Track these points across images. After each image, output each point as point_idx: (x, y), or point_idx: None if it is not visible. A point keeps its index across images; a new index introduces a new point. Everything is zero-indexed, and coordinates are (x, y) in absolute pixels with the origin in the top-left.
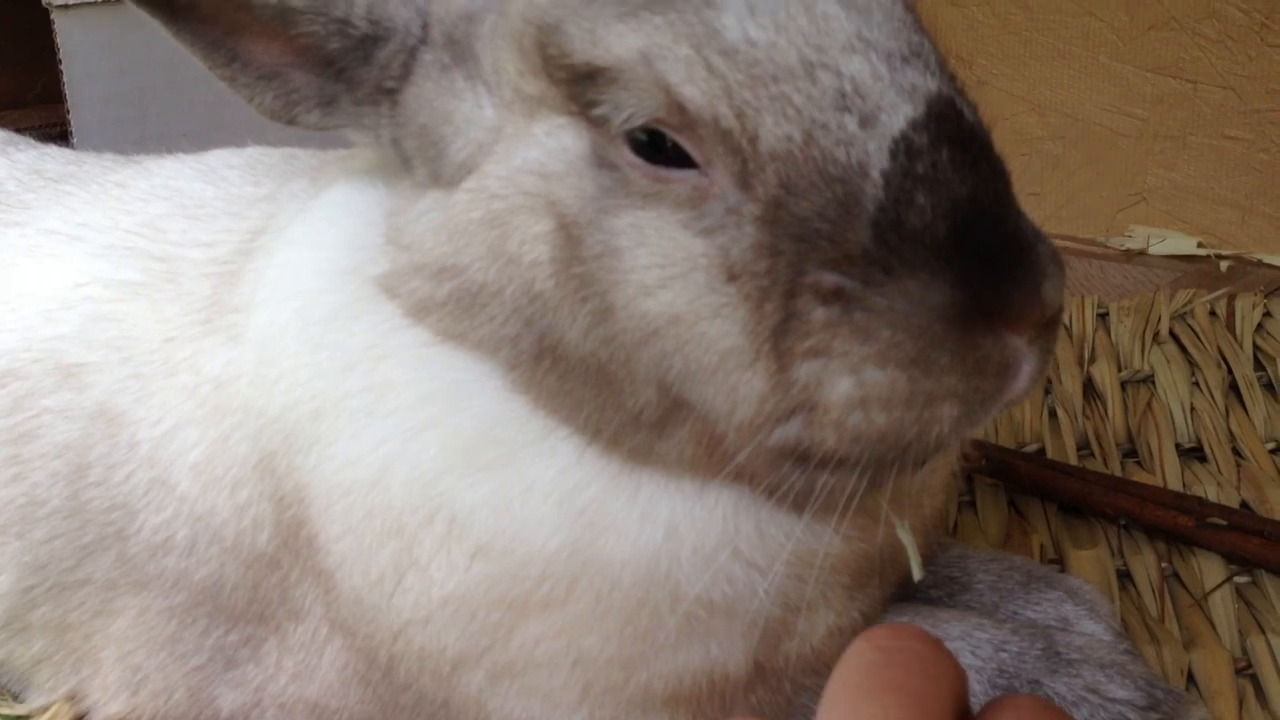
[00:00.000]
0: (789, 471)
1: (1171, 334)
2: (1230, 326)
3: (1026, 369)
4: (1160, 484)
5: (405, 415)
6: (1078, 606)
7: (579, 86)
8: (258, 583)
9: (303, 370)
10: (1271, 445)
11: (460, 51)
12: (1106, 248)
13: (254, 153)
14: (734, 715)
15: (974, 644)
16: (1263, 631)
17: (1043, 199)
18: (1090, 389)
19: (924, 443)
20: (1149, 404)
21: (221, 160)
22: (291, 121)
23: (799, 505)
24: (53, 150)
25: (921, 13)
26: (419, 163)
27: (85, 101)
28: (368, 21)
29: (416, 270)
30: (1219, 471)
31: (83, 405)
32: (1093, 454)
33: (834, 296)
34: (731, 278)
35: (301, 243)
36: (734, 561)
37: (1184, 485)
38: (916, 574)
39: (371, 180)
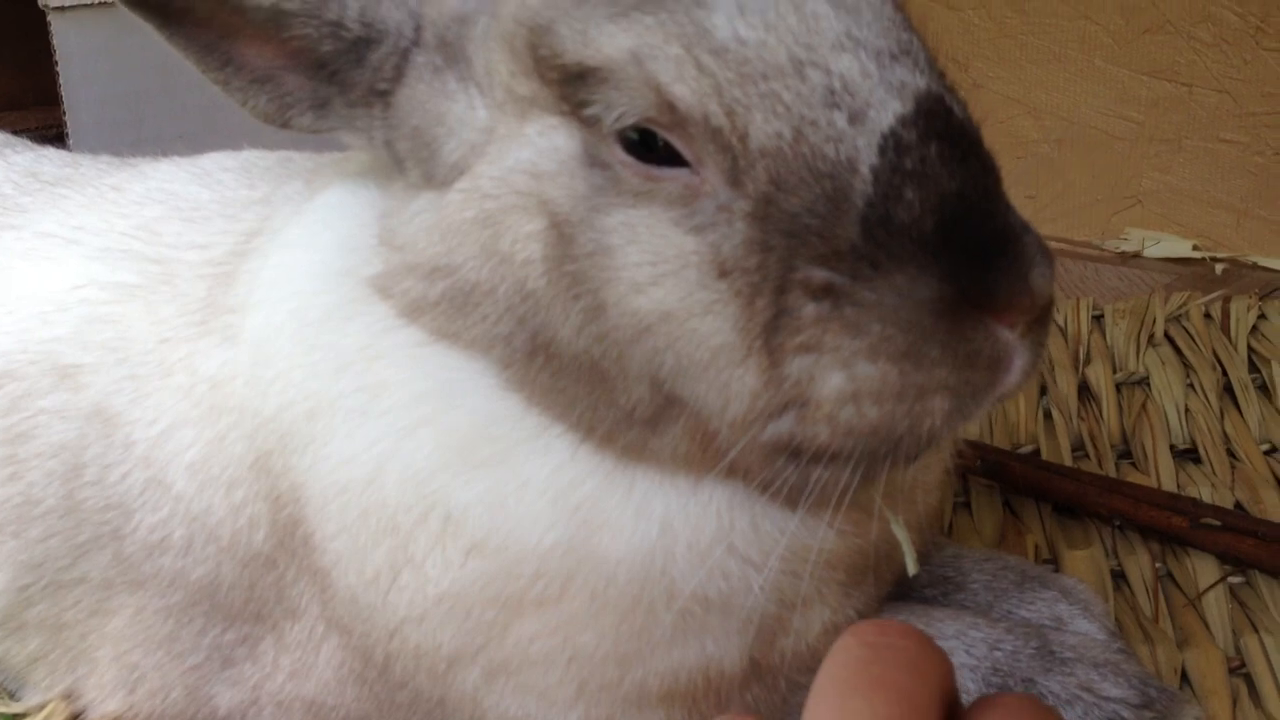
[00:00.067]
0: (782, 467)
1: (1166, 336)
2: (1225, 329)
3: (1018, 362)
4: (1155, 485)
5: (399, 414)
6: (1072, 606)
7: (570, 87)
8: (254, 582)
9: (297, 371)
10: (1266, 447)
11: (453, 53)
12: (1102, 250)
13: (249, 156)
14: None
15: (968, 643)
16: (1256, 631)
17: (1038, 201)
18: (1085, 390)
19: (916, 436)
20: (1144, 405)
21: (216, 163)
22: (285, 124)
23: (793, 501)
24: (49, 152)
25: (915, 14)
26: (412, 164)
27: (81, 104)
28: (360, 24)
29: (410, 270)
30: (1213, 473)
31: (78, 406)
32: (1087, 455)
33: (824, 292)
34: (723, 274)
35: (296, 245)
36: (729, 557)
37: (1178, 486)
38: (911, 568)
39: (365, 182)
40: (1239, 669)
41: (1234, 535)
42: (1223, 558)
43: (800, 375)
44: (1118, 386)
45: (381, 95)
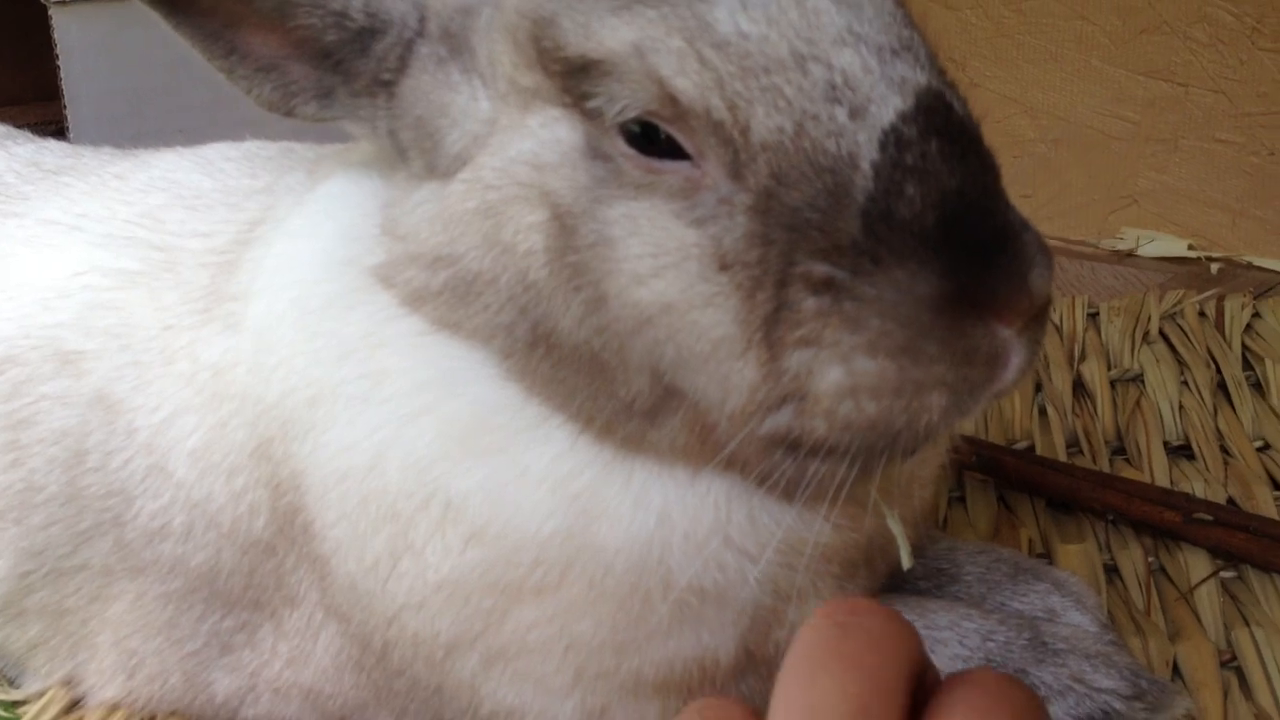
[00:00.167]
0: (780, 460)
1: (1161, 334)
2: (1219, 327)
3: (1015, 360)
4: (1148, 480)
5: (400, 402)
6: (1064, 598)
7: (573, 79)
8: (253, 568)
9: (299, 358)
10: (1259, 443)
11: (456, 45)
12: (1097, 249)
13: (251, 146)
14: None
15: (962, 634)
16: (1247, 624)
17: (1034, 200)
18: (1080, 387)
19: (913, 431)
20: (1138, 402)
21: (219, 153)
22: (289, 113)
23: (790, 493)
24: (51, 144)
25: (913, 12)
26: (415, 154)
27: (82, 98)
28: (365, 14)
29: (412, 260)
30: (1206, 469)
31: (81, 392)
32: (1082, 451)
33: (824, 286)
34: (723, 267)
35: (299, 234)
36: (725, 549)
37: (1172, 482)
38: (906, 563)
39: (368, 172)
40: (1230, 662)
41: (1226, 530)
42: (1215, 552)
43: (799, 369)
44: (1112, 383)
45: (385, 85)
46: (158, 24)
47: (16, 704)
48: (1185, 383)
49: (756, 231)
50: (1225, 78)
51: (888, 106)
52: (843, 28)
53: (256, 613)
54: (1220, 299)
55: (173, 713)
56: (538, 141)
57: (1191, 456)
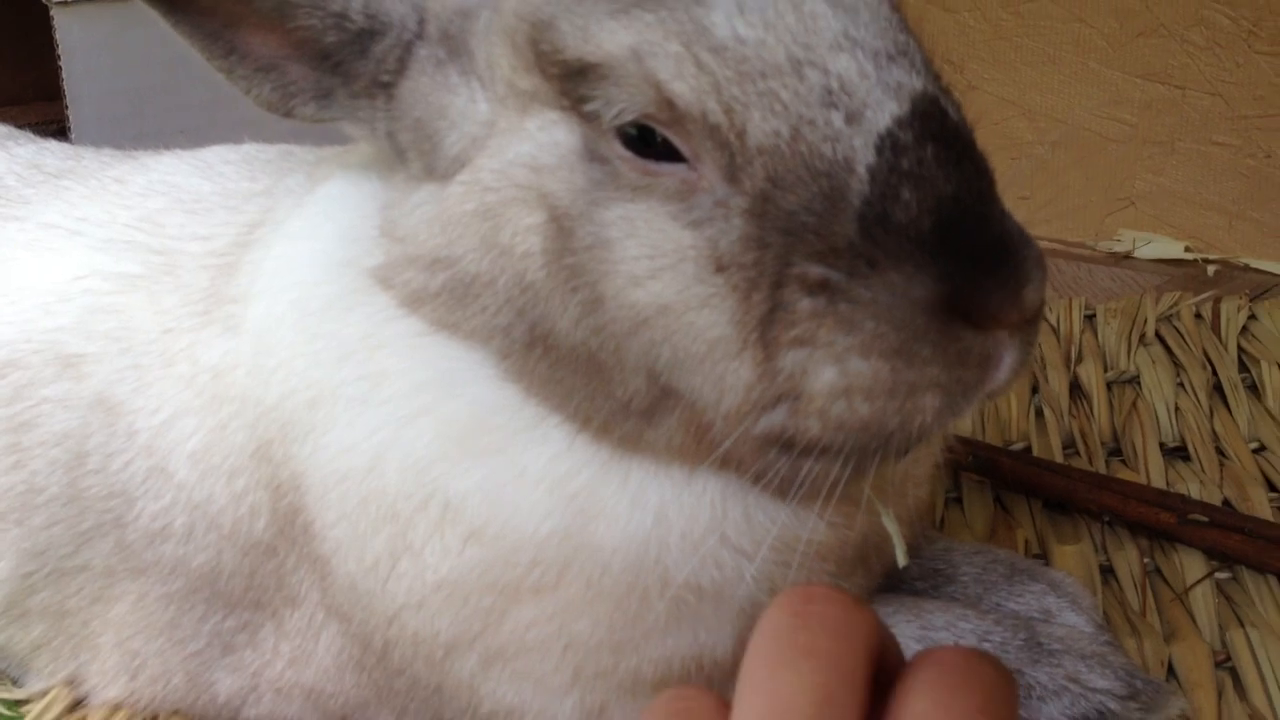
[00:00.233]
0: (775, 459)
1: (1157, 336)
2: (1215, 329)
3: (1008, 360)
4: (1144, 482)
5: (400, 403)
6: (1060, 599)
7: (571, 82)
8: (254, 569)
9: (299, 360)
10: (1254, 445)
11: (455, 47)
12: (1094, 251)
13: (250, 149)
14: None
15: (958, 634)
16: (1242, 625)
17: (1032, 202)
18: (1076, 389)
19: (906, 432)
20: (1134, 404)
21: (218, 156)
22: (288, 114)
23: (784, 492)
24: (52, 145)
25: (911, 16)
26: (414, 156)
27: (83, 98)
28: (364, 16)
29: (411, 262)
30: (1202, 470)
31: (81, 395)
32: (1078, 452)
33: (820, 288)
34: (719, 269)
35: (298, 236)
36: (722, 547)
37: (1167, 483)
38: (901, 560)
39: (367, 174)
40: (1224, 662)
41: (1221, 531)
42: (1210, 553)
43: (794, 369)
44: (1109, 385)
45: (384, 87)
46: (159, 24)
47: (19, 703)
48: (1181, 384)
49: (752, 234)
50: (1222, 80)
51: (883, 111)
52: (839, 33)
53: (258, 613)
54: (1216, 301)
55: (175, 712)
56: (535, 144)
57: (1187, 458)
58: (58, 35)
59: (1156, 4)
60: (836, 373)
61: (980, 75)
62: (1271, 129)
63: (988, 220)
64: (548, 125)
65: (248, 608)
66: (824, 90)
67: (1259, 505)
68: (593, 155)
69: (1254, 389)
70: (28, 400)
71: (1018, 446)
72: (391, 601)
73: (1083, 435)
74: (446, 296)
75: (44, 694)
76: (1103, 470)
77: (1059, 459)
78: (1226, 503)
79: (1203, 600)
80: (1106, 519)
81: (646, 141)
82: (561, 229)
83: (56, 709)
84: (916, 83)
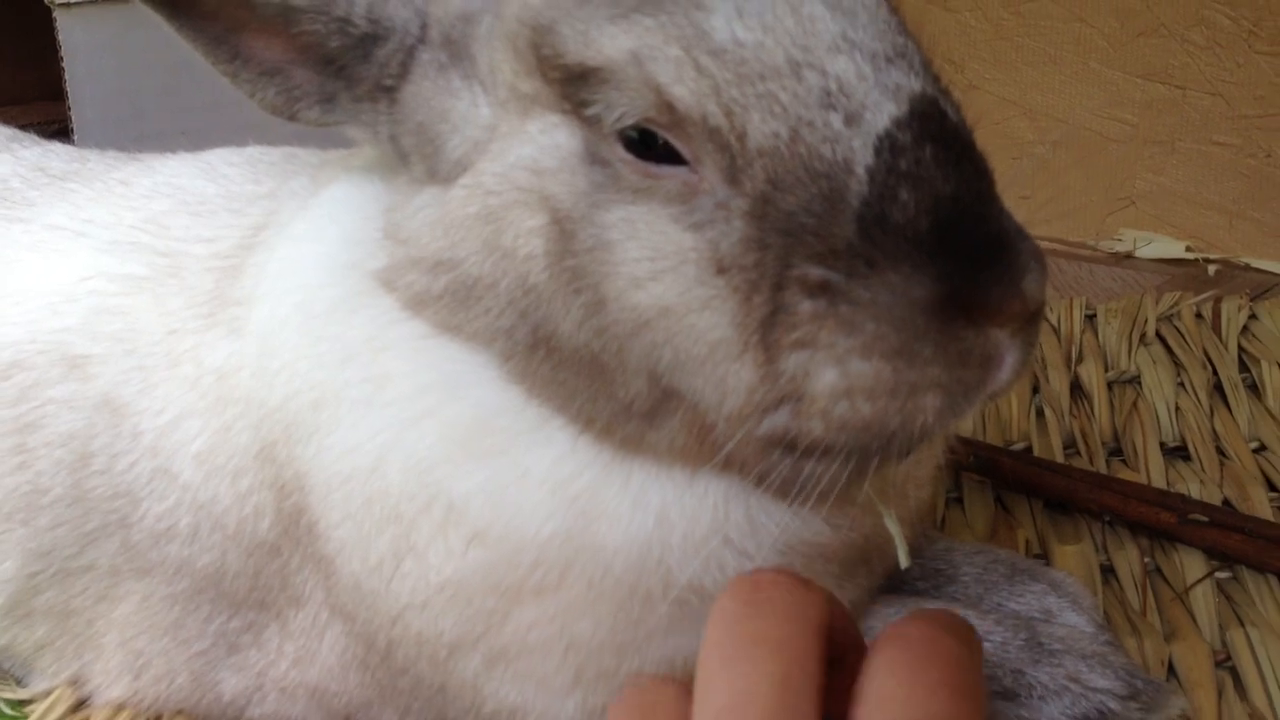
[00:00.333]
0: (777, 460)
1: (1158, 335)
2: (1216, 329)
3: (1009, 360)
4: (1145, 482)
5: (403, 405)
6: (1060, 599)
7: (572, 86)
8: (259, 569)
9: (303, 362)
10: (1254, 445)
11: (457, 51)
12: (1095, 250)
13: (254, 151)
14: None
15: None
16: (1242, 625)
17: (1032, 202)
18: (1077, 389)
19: (908, 432)
20: (1134, 404)
21: (222, 158)
22: (292, 117)
23: (787, 493)
24: (56, 147)
25: (911, 16)
26: (416, 159)
27: (86, 99)
28: (368, 21)
29: (414, 264)
30: (1202, 470)
31: (87, 395)
32: (1079, 452)
33: (820, 289)
34: (720, 271)
35: (302, 238)
36: (724, 548)
37: (1168, 483)
38: (903, 562)
39: (370, 177)
40: (1225, 662)
41: (1221, 531)
42: (1210, 553)
43: (796, 370)
44: (1109, 385)
45: (387, 91)
46: (161, 26)
47: (23, 703)
48: (1182, 384)
49: (753, 236)
50: (1222, 80)
51: (882, 113)
52: (837, 35)
53: (262, 613)
54: (1217, 301)
55: (179, 712)
56: (537, 147)
57: (1188, 458)
58: (60, 37)
59: (1157, 4)
60: (838, 374)
61: (981, 75)
62: (1272, 129)
63: (985, 219)
64: (549, 129)
65: (252, 608)
66: (823, 92)
67: (1259, 505)
68: (594, 158)
69: (1254, 389)
70: (33, 401)
71: (1018, 446)
72: (395, 601)
73: (1083, 435)
74: (449, 299)
75: (47, 694)
76: (1103, 470)
77: (1060, 459)
78: (1227, 502)
79: (1203, 600)
80: (1107, 519)
81: (647, 144)
82: (563, 231)
83: (60, 709)
84: (915, 84)
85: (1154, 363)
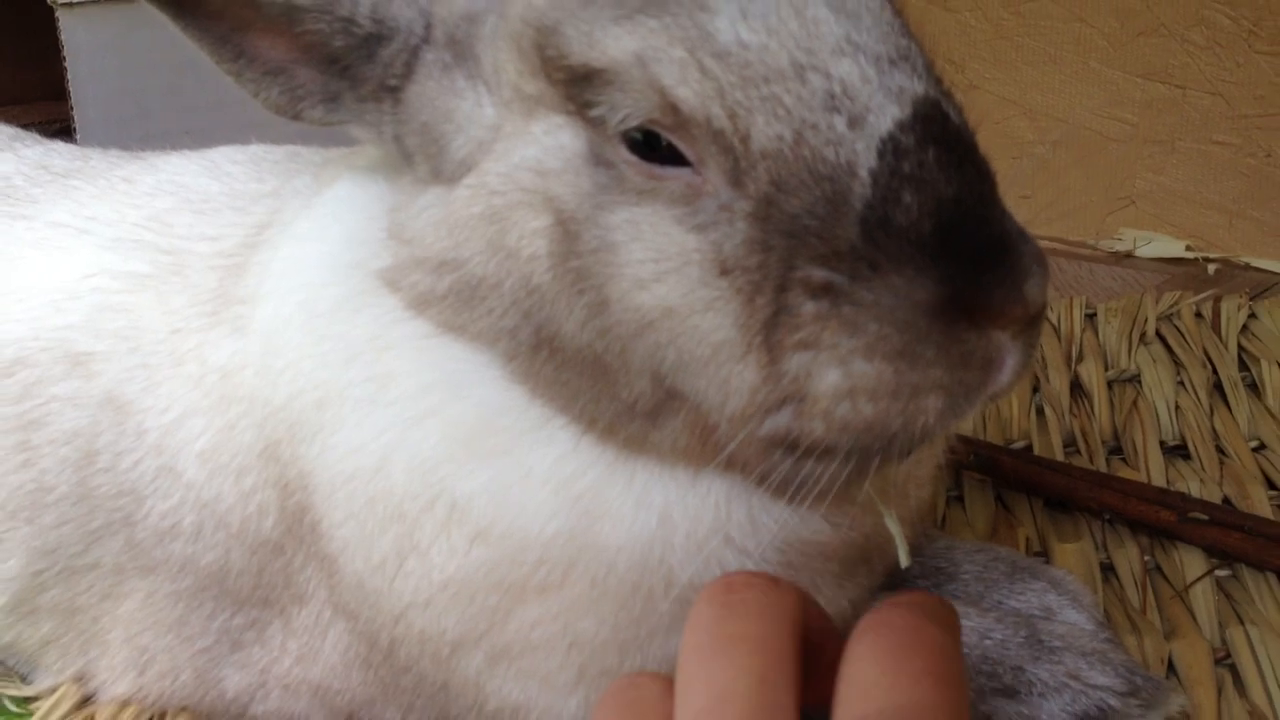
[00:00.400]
0: (779, 460)
1: (1158, 334)
2: (1216, 328)
3: (1010, 363)
4: (1144, 480)
5: (406, 404)
6: (1060, 596)
7: (576, 87)
8: (262, 568)
9: (306, 361)
10: (1254, 444)
11: (461, 51)
12: (1095, 250)
13: (257, 150)
14: None
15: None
16: (1242, 623)
17: (1033, 201)
18: (1077, 387)
19: (910, 433)
20: (1134, 402)
21: (226, 156)
22: (296, 116)
23: (789, 493)
24: (59, 146)
25: (912, 16)
26: (420, 159)
27: (89, 99)
28: (372, 21)
29: (418, 264)
30: (1202, 469)
31: (91, 393)
32: (1079, 451)
33: (823, 291)
34: (724, 272)
35: (306, 237)
36: (726, 548)
37: (1167, 481)
38: (904, 561)
39: (374, 176)
40: (1224, 659)
41: (1221, 529)
42: (1210, 551)
43: (798, 371)
44: (1109, 384)
45: (391, 91)
46: (164, 26)
47: (28, 700)
48: (1182, 383)
49: (756, 238)
50: (1222, 80)
51: (885, 115)
52: (841, 37)
53: (266, 610)
54: (1217, 300)
55: (183, 708)
56: (541, 148)
57: (1187, 456)
58: (63, 36)
59: (1157, 4)
60: (841, 375)
61: (981, 75)
62: (1271, 128)
63: (988, 222)
64: (553, 129)
65: (255, 605)
66: (826, 95)
67: (1259, 503)
68: (598, 159)
69: (1254, 387)
70: (37, 398)
71: (1019, 445)
72: (398, 600)
73: (1083, 434)
74: (453, 299)
75: (53, 691)
76: (1103, 469)
77: (1060, 457)
78: (1226, 501)
79: (1203, 598)
80: (1107, 517)
81: (651, 146)
82: (567, 232)
83: (65, 706)
84: (918, 87)
85: (1154, 362)
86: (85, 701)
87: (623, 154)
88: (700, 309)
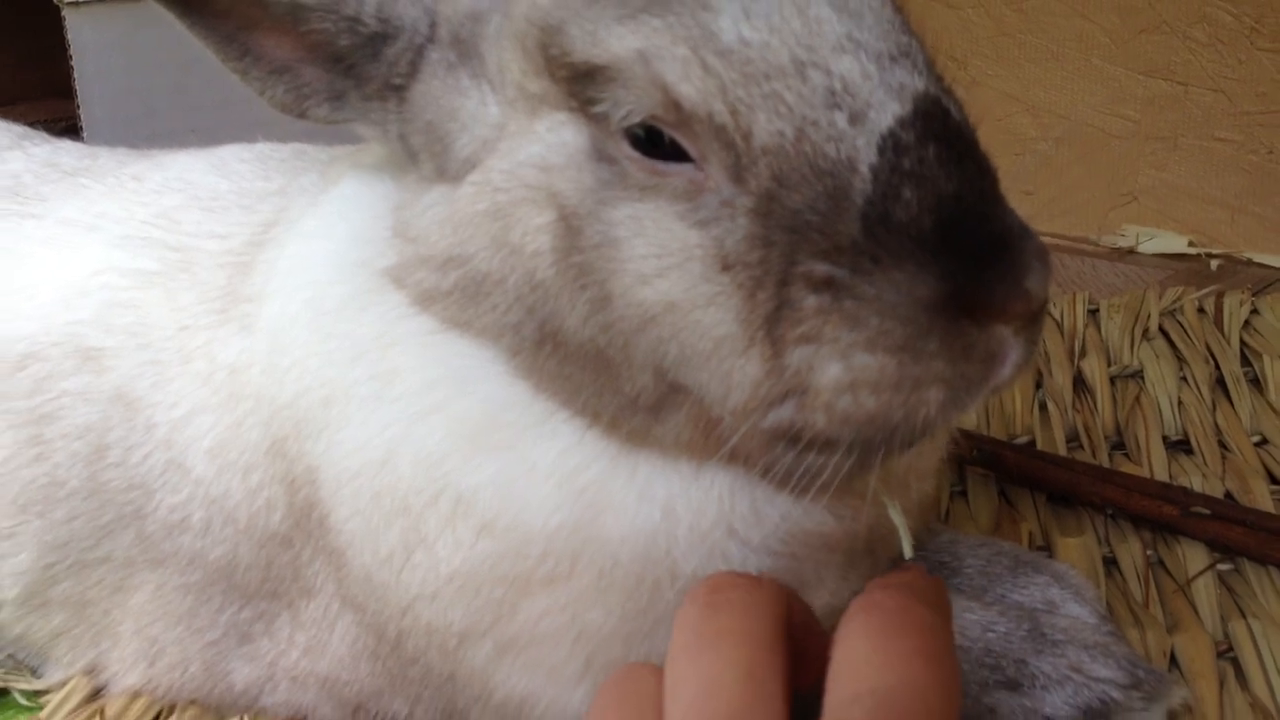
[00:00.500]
0: (782, 453)
1: (1161, 330)
2: (1218, 323)
3: (1012, 357)
4: (1147, 475)
5: (412, 400)
6: (1063, 590)
7: (579, 85)
8: (270, 561)
9: (313, 358)
10: (1256, 439)
11: (466, 50)
12: (1098, 246)
13: (264, 148)
14: None
15: (963, 625)
16: (1244, 616)
17: (1036, 198)
18: (1080, 383)
19: (911, 425)
20: (1137, 398)
21: (233, 154)
22: (302, 115)
23: (792, 485)
24: (67, 144)
25: (914, 13)
26: (425, 158)
27: (95, 98)
28: (377, 20)
29: (423, 261)
30: (1204, 463)
31: (101, 388)
32: (1082, 446)
33: (825, 285)
34: (726, 268)
35: (312, 235)
36: (729, 540)
37: (1170, 476)
38: (907, 552)
39: (379, 175)
40: (1226, 653)
41: (1223, 524)
42: (1212, 545)
43: (800, 365)
44: (1112, 379)
45: (396, 90)
46: (170, 25)
47: (39, 694)
48: (1184, 378)
49: (758, 233)
50: (1224, 77)
51: (886, 112)
52: (842, 35)
53: (274, 603)
54: (1219, 295)
55: (192, 701)
56: (545, 145)
57: (1190, 451)
58: (69, 36)
59: (1159, 1)
60: (843, 368)
61: (984, 71)
62: (1273, 125)
63: (988, 218)
64: (556, 127)
65: (264, 598)
66: (827, 92)
67: (1261, 498)
68: (601, 156)
69: (1256, 383)
70: (48, 393)
71: (1022, 440)
72: (405, 593)
73: (1086, 429)
74: (458, 295)
75: (63, 684)
76: (1106, 463)
77: (1063, 452)
78: (1229, 495)
79: (1205, 592)
80: (1110, 512)
81: (654, 142)
82: (570, 228)
83: (75, 699)
84: (919, 83)
85: (1156, 357)
86: (95, 695)
87: (625, 150)
88: (702, 304)
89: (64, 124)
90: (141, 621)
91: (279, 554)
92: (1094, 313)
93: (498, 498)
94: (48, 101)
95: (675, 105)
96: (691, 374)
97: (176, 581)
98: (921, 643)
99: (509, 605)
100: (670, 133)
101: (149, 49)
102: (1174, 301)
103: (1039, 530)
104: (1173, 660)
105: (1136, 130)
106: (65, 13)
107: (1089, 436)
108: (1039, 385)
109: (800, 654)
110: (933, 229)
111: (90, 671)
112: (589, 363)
